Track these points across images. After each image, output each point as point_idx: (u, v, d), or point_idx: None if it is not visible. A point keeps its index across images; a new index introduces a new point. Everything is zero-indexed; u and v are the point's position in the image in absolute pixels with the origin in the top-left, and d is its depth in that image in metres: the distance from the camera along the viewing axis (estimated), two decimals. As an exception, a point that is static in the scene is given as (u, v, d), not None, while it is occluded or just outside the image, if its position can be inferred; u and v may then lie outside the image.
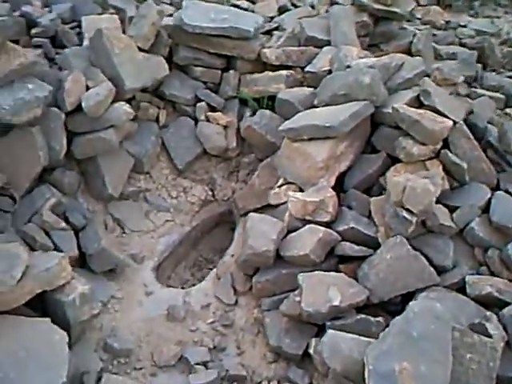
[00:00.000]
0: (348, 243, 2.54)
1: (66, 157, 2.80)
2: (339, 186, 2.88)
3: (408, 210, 2.41)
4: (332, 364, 1.99)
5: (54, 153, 2.68)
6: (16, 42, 2.97)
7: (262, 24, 3.68)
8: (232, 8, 3.78)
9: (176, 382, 2.27)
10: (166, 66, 3.42)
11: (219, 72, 3.60)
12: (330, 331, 2.14)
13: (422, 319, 1.95)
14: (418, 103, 2.91)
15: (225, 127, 3.46)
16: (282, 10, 4.22)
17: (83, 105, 2.70)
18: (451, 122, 2.73)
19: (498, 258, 2.46)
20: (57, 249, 2.46)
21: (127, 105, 2.88)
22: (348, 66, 3.15)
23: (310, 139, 2.83)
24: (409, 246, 2.45)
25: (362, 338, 2.09)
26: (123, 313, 2.53)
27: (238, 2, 4.30)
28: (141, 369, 2.30)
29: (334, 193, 2.71)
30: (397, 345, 1.90)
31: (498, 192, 2.69)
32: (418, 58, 3.30)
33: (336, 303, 2.28)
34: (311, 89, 3.22)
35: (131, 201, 3.09)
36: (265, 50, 3.52)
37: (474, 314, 2.23)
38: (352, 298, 2.33)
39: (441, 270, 2.50)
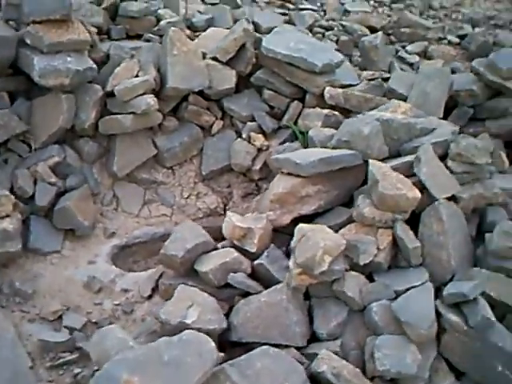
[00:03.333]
0: (241, 275, 4.45)
1: (97, 130, 5.83)
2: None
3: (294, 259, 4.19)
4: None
5: (79, 122, 5.60)
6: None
7: (338, 62, 6.04)
8: (317, 41, 6.37)
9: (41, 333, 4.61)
10: (234, 80, 6.10)
11: (287, 100, 6.15)
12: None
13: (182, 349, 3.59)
14: (411, 170, 4.75)
15: (258, 150, 5.93)
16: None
17: (116, 87, 5.66)
18: (418, 195, 4.38)
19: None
20: (31, 197, 5.34)
21: (154, 98, 5.57)
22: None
23: (287, 173, 4.98)
24: (285, 296, 4.21)
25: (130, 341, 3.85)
26: (55, 266, 5.10)
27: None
28: (26, 312, 4.76)
29: (265, 226, 4.63)
30: (143, 358, 3.58)
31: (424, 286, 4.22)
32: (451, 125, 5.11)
33: (188, 321, 4.12)
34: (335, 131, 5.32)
35: (138, 186, 5.84)
36: (327, 88, 5.86)
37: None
38: (206, 323, 4.12)
39: (319, 337, 4.21)
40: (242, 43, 6.14)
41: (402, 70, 7.30)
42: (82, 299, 4.94)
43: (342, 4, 9.62)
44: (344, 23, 8.60)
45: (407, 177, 4.62)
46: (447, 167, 4.76)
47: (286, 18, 8.53)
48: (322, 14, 9.29)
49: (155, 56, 6.00)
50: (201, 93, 6.08)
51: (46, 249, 5.21)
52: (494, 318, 4.04)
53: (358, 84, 6.23)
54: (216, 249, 4.80)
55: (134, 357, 3.56)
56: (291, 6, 9.23)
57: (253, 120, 6.09)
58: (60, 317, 4.78)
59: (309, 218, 4.88)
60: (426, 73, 6.00)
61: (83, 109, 5.64)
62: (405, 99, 5.84)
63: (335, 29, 8.37)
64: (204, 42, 6.48)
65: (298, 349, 4.14)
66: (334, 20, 8.72)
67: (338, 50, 7.40)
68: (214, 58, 6.17)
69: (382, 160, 4.86)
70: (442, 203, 4.49)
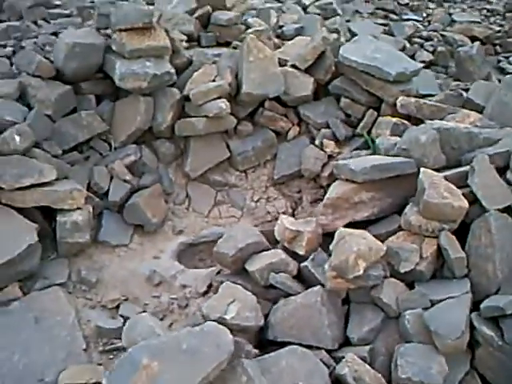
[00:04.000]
0: (284, 275, 4.52)
1: (173, 132, 6.05)
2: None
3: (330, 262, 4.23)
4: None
5: (156, 123, 5.91)
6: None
7: (414, 71, 5.94)
8: (394, 50, 6.26)
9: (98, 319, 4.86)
10: (311, 87, 6.18)
11: (363, 108, 6.13)
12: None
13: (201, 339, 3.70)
14: (465, 180, 4.56)
15: (329, 156, 5.93)
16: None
17: (191, 91, 5.87)
18: (465, 205, 4.28)
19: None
20: (106, 193, 5.65)
21: (226, 103, 5.72)
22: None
23: (345, 179, 4.97)
24: (319, 299, 4.22)
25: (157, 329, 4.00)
26: (121, 259, 5.36)
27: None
28: (89, 299, 5.02)
29: (314, 230, 4.66)
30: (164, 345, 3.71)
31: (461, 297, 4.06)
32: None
33: (226, 317, 4.23)
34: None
35: (211, 187, 6.04)
36: (400, 97, 5.74)
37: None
38: (244, 320, 4.21)
39: (351, 342, 4.19)
40: (321, 51, 6.20)
41: (499, 81, 7.09)
42: (142, 291, 5.16)
43: (450, 14, 9.42)
44: (445, 33, 8.45)
45: (461, 187, 4.52)
46: (506, 179, 4.58)
47: (386, 28, 8.48)
48: (426, 24, 9.15)
49: (234, 62, 6.19)
50: (278, 99, 6.21)
51: (115, 242, 5.51)
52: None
53: (436, 94, 6.11)
54: (268, 250, 4.86)
55: (157, 344, 3.71)
56: (394, 17, 9.16)
57: (327, 127, 6.12)
58: (118, 306, 5.03)
59: (362, 225, 4.85)
60: (508, 82, 5.75)
61: (160, 111, 5.94)
62: (481, 110, 5.68)
63: (435, 39, 8.25)
64: (288, 50, 6.65)
65: (328, 352, 4.13)
66: (435, 31, 8.58)
67: (433, 60, 7.33)
68: (293, 66, 6.30)
69: (439, 169, 4.77)
70: (493, 214, 4.32)
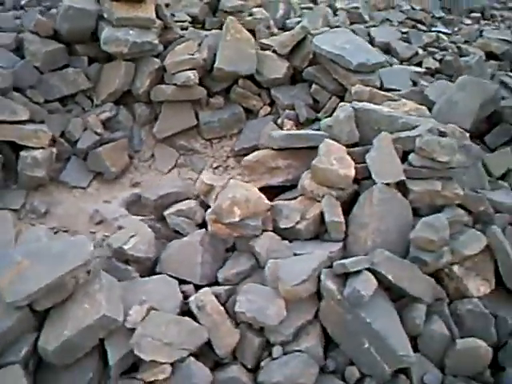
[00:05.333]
0: (181, 219, 4.99)
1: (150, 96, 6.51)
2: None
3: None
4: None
5: (135, 87, 6.39)
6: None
7: (376, 63, 6.14)
8: (365, 44, 6.44)
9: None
10: (284, 71, 6.49)
11: (329, 95, 6.36)
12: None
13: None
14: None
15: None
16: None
17: (167, 61, 6.33)
18: (350, 173, 4.52)
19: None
20: (77, 141, 6.17)
21: (195, 73, 6.09)
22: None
23: (265, 147, 5.29)
24: (199, 239, 4.61)
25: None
26: (76, 198, 5.86)
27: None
28: (32, 225, 5.69)
29: (225, 185, 4.87)
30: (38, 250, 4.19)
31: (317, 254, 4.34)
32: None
33: (125, 247, 4.60)
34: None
35: (176, 151, 6.45)
36: (356, 86, 5.87)
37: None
38: (138, 251, 4.61)
39: (218, 281, 4.47)
40: (300, 39, 6.49)
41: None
42: (82, 226, 5.63)
43: (481, 31, 9.43)
44: (462, 46, 8.48)
45: (362, 163, 4.70)
46: (407, 160, 4.72)
47: (404, 35, 8.61)
48: (452, 37, 9.21)
49: (217, 41, 6.56)
50: (253, 79, 6.53)
51: (74, 183, 6.04)
52: (369, 294, 3.96)
53: (401, 90, 6.23)
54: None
55: (33, 247, 4.25)
56: (422, 27, 9.26)
57: (293, 109, 6.37)
58: (55, 233, 5.50)
59: (276, 190, 5.11)
60: (460, 82, 5.83)
61: (140, 77, 6.43)
62: (433, 105, 5.79)
63: (449, 50, 8.27)
64: (277, 38, 6.89)
65: (197, 287, 4.41)
66: (455, 43, 8.62)
67: (438, 68, 7.44)
68: (274, 51, 6.61)
69: (352, 145, 4.96)
70: (378, 187, 4.53)
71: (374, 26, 8.85)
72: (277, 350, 4.06)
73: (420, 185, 4.66)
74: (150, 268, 4.75)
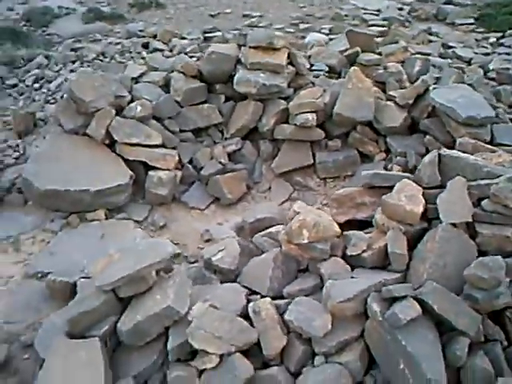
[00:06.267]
0: (263, 239, 5.58)
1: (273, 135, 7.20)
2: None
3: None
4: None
5: (261, 125, 7.17)
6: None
7: (486, 117, 6.30)
8: (480, 98, 6.63)
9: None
10: (400, 120, 6.93)
11: (440, 146, 6.60)
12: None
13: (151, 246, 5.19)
14: None
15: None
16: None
17: (290, 103, 6.96)
18: (418, 210, 4.81)
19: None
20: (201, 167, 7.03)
21: (314, 116, 6.72)
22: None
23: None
24: (273, 256, 5.11)
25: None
26: (192, 218, 6.66)
27: None
28: (151, 236, 6.44)
29: None
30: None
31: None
32: None
33: (213, 259, 5.34)
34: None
35: (290, 185, 7.06)
36: (461, 138, 6.10)
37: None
38: (222, 263, 5.30)
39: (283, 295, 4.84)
40: (421, 92, 6.88)
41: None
42: (192, 242, 6.39)
43: None
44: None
45: (435, 203, 5.01)
46: (481, 206, 4.93)
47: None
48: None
49: (339, 88, 7.15)
50: (371, 126, 6.99)
51: (193, 204, 6.88)
52: (407, 318, 4.24)
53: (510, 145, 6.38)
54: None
55: (126, 246, 4.97)
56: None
57: (405, 157, 6.71)
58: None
59: (363, 224, 5.50)
60: None
61: (266, 116, 7.24)
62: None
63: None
64: (402, 90, 7.32)
65: (263, 297, 4.92)
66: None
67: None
68: (395, 102, 7.05)
69: (432, 188, 5.24)
70: (443, 226, 4.78)
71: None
72: (319, 359, 4.45)
73: (489, 229, 4.84)
74: (232, 279, 5.35)
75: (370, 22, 11.21)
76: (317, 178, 7.09)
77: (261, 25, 10.74)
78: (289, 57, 7.39)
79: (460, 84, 7.27)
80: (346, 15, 11.56)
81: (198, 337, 4.43)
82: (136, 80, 7.39)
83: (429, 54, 9.52)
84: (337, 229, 5.04)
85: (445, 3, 12.59)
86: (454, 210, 4.91)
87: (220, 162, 7.01)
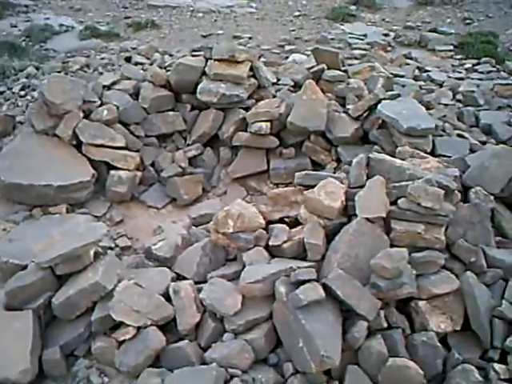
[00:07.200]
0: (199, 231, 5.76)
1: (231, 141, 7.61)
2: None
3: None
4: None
5: (221, 132, 7.62)
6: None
7: (427, 128, 6.68)
8: (422, 111, 7.06)
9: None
10: (351, 131, 7.28)
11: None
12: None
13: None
14: None
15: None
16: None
17: (247, 113, 7.40)
18: (335, 205, 5.22)
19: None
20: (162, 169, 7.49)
21: (268, 125, 7.15)
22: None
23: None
24: (201, 244, 5.59)
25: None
26: (149, 215, 7.09)
27: None
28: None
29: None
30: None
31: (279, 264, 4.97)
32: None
33: (152, 247, 5.74)
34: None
35: (245, 190, 7.45)
36: (400, 148, 6.48)
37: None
38: (159, 251, 5.69)
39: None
40: (371, 104, 7.26)
41: None
42: (144, 236, 6.78)
43: None
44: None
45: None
46: (396, 203, 5.29)
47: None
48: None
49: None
50: (324, 136, 7.37)
51: (151, 203, 7.33)
52: (307, 299, 4.59)
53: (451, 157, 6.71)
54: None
55: (67, 227, 5.61)
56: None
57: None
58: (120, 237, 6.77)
59: (296, 222, 5.88)
60: (496, 151, 6.21)
61: (226, 124, 7.70)
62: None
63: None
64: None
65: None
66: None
67: None
68: (347, 113, 7.43)
69: (357, 187, 5.61)
70: (357, 220, 5.18)
71: (487, 109, 9.25)
72: (227, 336, 4.83)
73: (402, 225, 5.21)
74: (168, 266, 5.72)
75: (354, 46, 11.66)
76: (270, 184, 7.47)
77: (248, 45, 11.21)
78: (252, 70, 7.87)
79: (405, 98, 7.64)
80: (331, 39, 12.02)
81: (117, 309, 4.85)
82: (108, 87, 7.87)
83: (402, 76, 9.96)
84: (261, 220, 5.44)
85: (429, 31, 13.00)
86: (370, 206, 5.29)
87: (180, 166, 7.44)
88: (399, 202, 5.32)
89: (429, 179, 5.47)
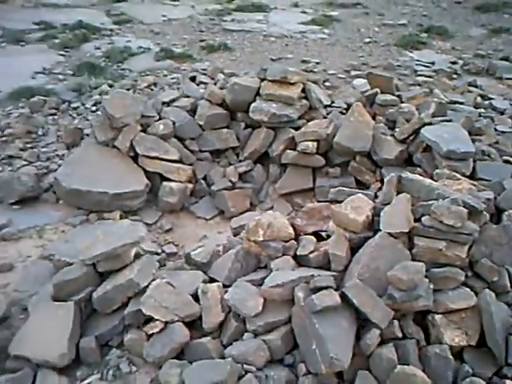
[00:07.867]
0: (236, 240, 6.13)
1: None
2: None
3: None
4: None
5: (271, 150, 8.04)
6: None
7: (466, 152, 6.82)
8: (465, 135, 7.19)
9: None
10: (395, 153, 7.53)
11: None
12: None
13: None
14: None
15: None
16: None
17: (296, 132, 7.73)
18: (359, 219, 5.48)
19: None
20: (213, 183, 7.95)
21: (314, 144, 7.49)
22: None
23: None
24: (234, 251, 5.89)
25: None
26: (196, 226, 7.52)
27: None
28: (156, 239, 7.32)
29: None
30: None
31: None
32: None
33: (192, 253, 6.10)
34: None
35: (291, 206, 7.81)
36: (437, 170, 6.65)
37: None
38: (197, 256, 6.05)
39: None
40: (416, 128, 7.49)
41: None
42: (190, 244, 7.19)
43: None
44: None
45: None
46: (421, 222, 5.51)
47: None
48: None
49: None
50: (369, 157, 7.64)
51: (200, 214, 7.77)
52: (322, 305, 4.88)
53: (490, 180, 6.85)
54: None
55: (110, 228, 6.02)
56: None
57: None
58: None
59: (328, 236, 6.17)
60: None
61: (276, 142, 8.08)
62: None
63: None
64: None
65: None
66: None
67: None
68: (392, 135, 7.68)
69: (385, 204, 5.86)
70: (380, 234, 5.41)
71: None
72: (247, 335, 5.15)
73: (424, 242, 5.41)
74: (204, 271, 6.11)
75: (419, 72, 11.83)
76: (315, 201, 7.76)
77: (315, 70, 11.59)
78: (304, 91, 8.25)
79: (451, 123, 7.81)
80: (398, 65, 12.22)
81: (148, 305, 5.26)
82: (168, 104, 8.43)
83: (461, 103, 10.09)
84: (290, 231, 5.77)
85: (501, 59, 13.00)
86: (394, 221, 5.52)
87: (230, 181, 7.89)
88: (423, 219, 5.53)
89: (454, 199, 5.65)
